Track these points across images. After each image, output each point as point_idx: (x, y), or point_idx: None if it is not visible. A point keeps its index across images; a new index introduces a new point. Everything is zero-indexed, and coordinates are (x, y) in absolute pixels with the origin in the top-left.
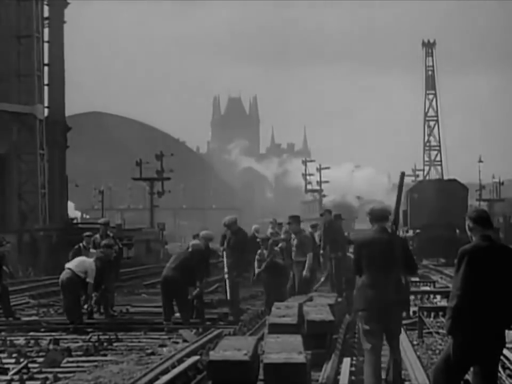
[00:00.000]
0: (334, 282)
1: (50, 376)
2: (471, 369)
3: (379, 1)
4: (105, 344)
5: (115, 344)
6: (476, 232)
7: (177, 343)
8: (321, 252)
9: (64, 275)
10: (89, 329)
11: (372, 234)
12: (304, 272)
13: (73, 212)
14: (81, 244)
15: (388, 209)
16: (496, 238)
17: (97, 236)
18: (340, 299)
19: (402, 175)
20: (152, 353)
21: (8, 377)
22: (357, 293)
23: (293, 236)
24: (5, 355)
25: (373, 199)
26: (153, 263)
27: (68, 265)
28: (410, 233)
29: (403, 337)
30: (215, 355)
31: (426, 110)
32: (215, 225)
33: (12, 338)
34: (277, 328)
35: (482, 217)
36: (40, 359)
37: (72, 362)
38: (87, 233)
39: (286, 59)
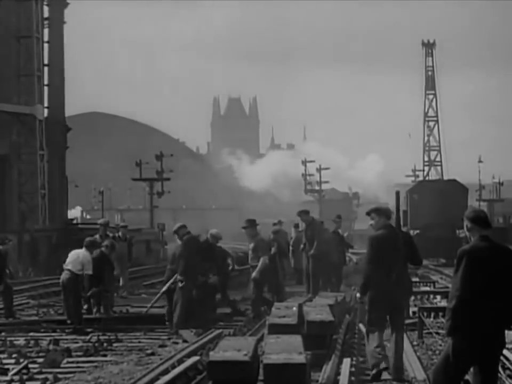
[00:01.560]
0: (309, 281)
1: (50, 376)
2: (471, 369)
3: (379, 1)
4: (105, 344)
5: (115, 344)
6: (474, 232)
7: (177, 343)
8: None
9: (63, 276)
10: (89, 330)
11: (387, 230)
12: (253, 274)
13: (78, 213)
14: (116, 235)
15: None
16: (505, 237)
17: (97, 236)
18: (340, 298)
19: (397, 194)
20: (152, 354)
21: (8, 378)
22: (373, 283)
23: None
24: (5, 355)
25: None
26: (153, 264)
27: (65, 266)
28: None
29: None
30: (215, 355)
31: (426, 110)
32: (215, 225)
33: (12, 338)
34: (277, 329)
35: (480, 217)
36: (40, 360)
37: (72, 362)
38: (123, 224)
39: (286, 59)
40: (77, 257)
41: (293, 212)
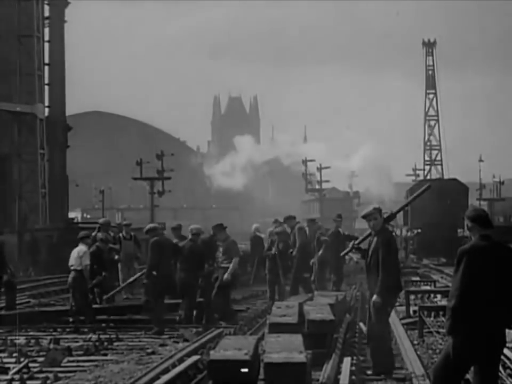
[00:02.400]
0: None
1: (50, 375)
2: (471, 368)
3: (379, 0)
4: (105, 343)
5: (115, 343)
6: (475, 231)
7: (177, 342)
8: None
9: (70, 277)
10: (87, 329)
11: (388, 230)
12: (225, 276)
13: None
14: (120, 235)
15: None
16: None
17: (99, 234)
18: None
19: (428, 187)
20: (153, 353)
21: (8, 377)
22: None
23: (219, 243)
24: (6, 354)
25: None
26: None
27: (70, 266)
28: (409, 232)
29: (403, 336)
30: (215, 354)
31: (426, 110)
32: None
33: (13, 337)
34: (278, 328)
35: (481, 216)
36: (41, 359)
37: (72, 361)
38: (126, 222)
39: (286, 58)
40: (75, 254)
41: (292, 211)
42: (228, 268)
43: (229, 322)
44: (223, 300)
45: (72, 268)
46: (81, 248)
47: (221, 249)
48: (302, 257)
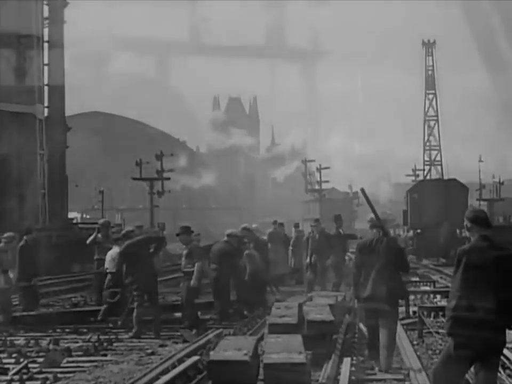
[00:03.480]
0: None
1: (50, 376)
2: (471, 369)
3: (379, 0)
4: (105, 344)
5: (115, 344)
6: (474, 232)
7: (177, 343)
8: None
9: (107, 279)
10: (90, 328)
11: (374, 237)
12: (192, 281)
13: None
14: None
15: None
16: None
17: (99, 235)
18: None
19: (362, 190)
20: (152, 353)
21: (8, 377)
22: (361, 285)
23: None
24: (5, 355)
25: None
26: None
27: (105, 269)
28: (411, 233)
29: (403, 336)
30: (215, 355)
31: (426, 110)
32: (215, 225)
33: (12, 338)
34: (277, 328)
35: (479, 217)
36: (40, 359)
37: (72, 362)
38: (138, 224)
39: (285, 58)
40: (109, 257)
41: (293, 210)
42: (190, 272)
43: (197, 329)
44: (189, 305)
45: (107, 270)
46: (115, 250)
47: (184, 252)
48: (255, 285)
